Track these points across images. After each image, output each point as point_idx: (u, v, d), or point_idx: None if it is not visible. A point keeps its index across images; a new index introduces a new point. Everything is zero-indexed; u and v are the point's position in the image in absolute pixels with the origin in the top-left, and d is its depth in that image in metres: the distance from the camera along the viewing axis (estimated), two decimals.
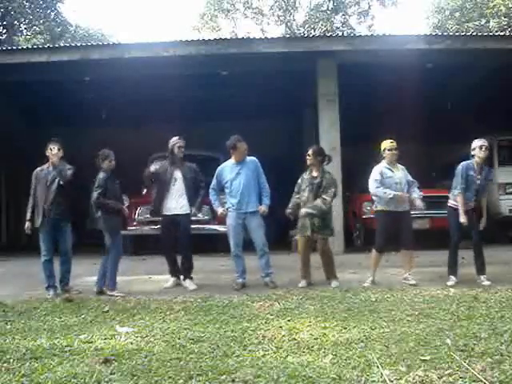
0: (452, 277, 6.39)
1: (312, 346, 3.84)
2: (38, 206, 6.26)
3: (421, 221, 9.23)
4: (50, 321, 4.89)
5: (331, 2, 28.38)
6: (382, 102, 11.86)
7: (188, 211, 6.59)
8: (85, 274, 7.02)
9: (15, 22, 23.50)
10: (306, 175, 6.60)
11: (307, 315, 4.80)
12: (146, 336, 4.24)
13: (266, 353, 3.72)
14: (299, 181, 6.64)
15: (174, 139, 6.65)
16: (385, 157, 6.57)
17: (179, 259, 6.69)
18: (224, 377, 3.21)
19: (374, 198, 6.66)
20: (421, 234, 8.38)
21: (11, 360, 3.63)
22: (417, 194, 6.56)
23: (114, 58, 9.52)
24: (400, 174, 6.57)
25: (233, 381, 3.16)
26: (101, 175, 6.25)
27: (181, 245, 6.61)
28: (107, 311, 5.25)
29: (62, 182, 6.21)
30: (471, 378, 3.11)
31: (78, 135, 12.54)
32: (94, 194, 6.18)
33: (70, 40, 22.87)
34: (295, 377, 3.19)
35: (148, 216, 9.34)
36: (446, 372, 3.20)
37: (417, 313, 4.78)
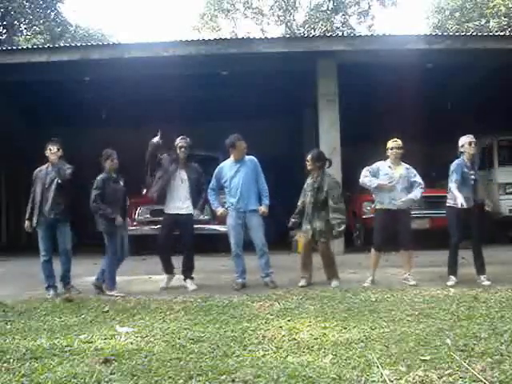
0: (452, 277, 6.39)
1: (312, 346, 3.84)
2: (36, 206, 6.24)
3: (421, 221, 9.23)
4: (49, 321, 4.89)
5: (331, 1, 28.38)
6: (382, 102, 11.86)
7: (191, 211, 6.58)
8: (85, 274, 7.01)
9: (15, 22, 23.49)
10: (309, 180, 6.62)
11: (307, 315, 4.80)
12: (146, 336, 4.24)
13: (266, 353, 3.72)
14: (304, 186, 6.66)
15: (177, 140, 6.63)
16: (389, 155, 6.59)
17: (175, 259, 6.66)
18: (224, 377, 3.21)
19: (373, 195, 6.69)
20: (421, 234, 8.38)
21: (11, 360, 3.63)
22: (413, 195, 6.56)
23: (114, 57, 9.52)
24: (402, 172, 6.55)
25: (233, 381, 3.16)
26: (100, 176, 6.25)
27: (184, 245, 6.58)
28: (107, 311, 5.25)
29: (60, 181, 6.20)
30: (471, 378, 3.11)
31: (78, 135, 12.55)
32: (91, 196, 6.20)
33: (70, 40, 22.86)
34: (295, 377, 3.19)
35: (148, 216, 9.37)
36: (446, 372, 3.20)
37: (417, 313, 4.78)
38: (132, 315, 5.04)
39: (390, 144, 6.59)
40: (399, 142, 6.58)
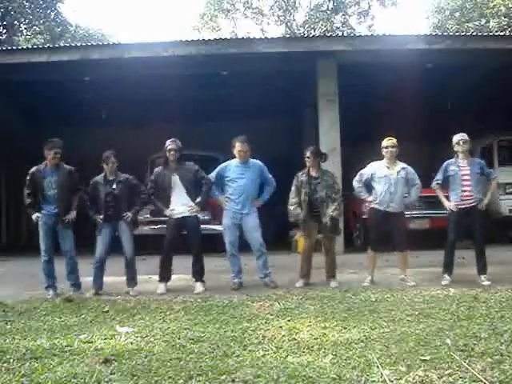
0: (446, 275, 6.39)
1: (312, 346, 3.84)
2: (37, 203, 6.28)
3: (420, 221, 9.23)
4: (49, 321, 4.89)
5: (331, 1, 28.39)
6: (382, 102, 11.87)
7: (195, 213, 6.50)
8: (84, 274, 7.01)
9: (15, 22, 23.50)
10: (302, 176, 6.57)
11: (307, 315, 4.80)
12: (146, 336, 4.24)
13: (266, 353, 3.72)
14: (295, 182, 6.60)
15: (167, 143, 6.50)
16: (384, 154, 6.59)
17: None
18: (224, 377, 3.21)
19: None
20: (421, 234, 8.38)
21: (11, 360, 3.63)
22: (412, 198, 6.63)
23: (114, 57, 9.52)
24: (398, 170, 6.54)
25: (233, 381, 3.16)
26: (92, 180, 6.44)
27: (192, 246, 6.51)
28: (107, 311, 5.25)
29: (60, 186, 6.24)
30: (471, 378, 3.10)
31: (78, 135, 12.54)
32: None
33: (70, 40, 22.87)
34: (295, 377, 3.19)
35: (148, 216, 9.35)
36: (446, 372, 3.20)
37: (417, 313, 4.78)
38: (132, 315, 5.04)
39: (385, 143, 6.56)
40: (394, 140, 6.55)
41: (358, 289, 6.02)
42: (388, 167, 6.54)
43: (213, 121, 13.32)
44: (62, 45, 16.22)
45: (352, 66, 9.51)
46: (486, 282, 6.19)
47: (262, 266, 6.55)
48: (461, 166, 6.42)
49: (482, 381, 3.06)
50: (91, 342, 4.08)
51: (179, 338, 4.13)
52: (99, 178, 6.43)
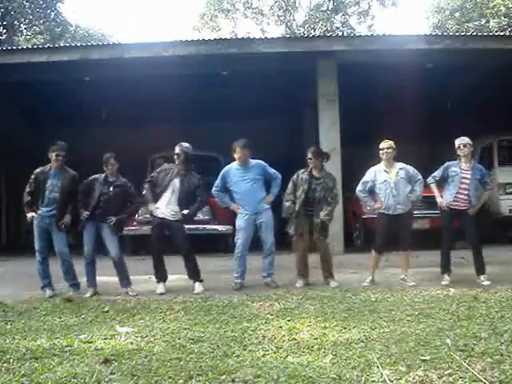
0: (445, 276, 6.41)
1: (312, 346, 3.84)
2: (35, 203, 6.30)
3: (421, 221, 9.22)
4: (49, 321, 4.89)
5: (331, 1, 28.37)
6: (382, 102, 11.86)
7: (178, 217, 6.44)
8: (83, 274, 7.01)
9: (15, 22, 23.49)
10: (304, 174, 6.58)
11: (307, 315, 4.81)
12: (146, 336, 4.24)
13: (266, 353, 3.73)
14: (295, 177, 6.62)
15: (176, 147, 6.55)
16: (381, 157, 6.61)
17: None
18: (224, 377, 3.22)
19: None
20: (421, 234, 8.37)
21: (11, 360, 3.64)
22: (413, 195, 6.60)
23: (114, 57, 9.51)
24: (397, 172, 6.53)
25: (233, 381, 3.16)
26: (90, 177, 6.46)
27: (180, 248, 6.51)
28: (107, 311, 5.25)
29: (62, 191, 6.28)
30: (471, 378, 3.11)
31: (78, 135, 12.52)
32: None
33: (70, 40, 22.87)
34: (295, 377, 3.19)
35: (147, 216, 9.34)
36: (446, 372, 3.20)
37: (417, 313, 4.78)
38: (132, 315, 5.05)
39: (382, 145, 6.61)
40: (390, 142, 6.59)
41: (357, 289, 6.03)
42: (386, 171, 6.55)
43: (213, 121, 13.31)
44: (62, 45, 16.20)
45: (352, 66, 9.50)
46: (486, 282, 6.20)
47: (267, 265, 6.57)
48: (463, 169, 6.46)
49: (481, 381, 3.06)
50: (91, 342, 4.08)
51: (179, 338, 4.13)
52: (99, 177, 6.43)
